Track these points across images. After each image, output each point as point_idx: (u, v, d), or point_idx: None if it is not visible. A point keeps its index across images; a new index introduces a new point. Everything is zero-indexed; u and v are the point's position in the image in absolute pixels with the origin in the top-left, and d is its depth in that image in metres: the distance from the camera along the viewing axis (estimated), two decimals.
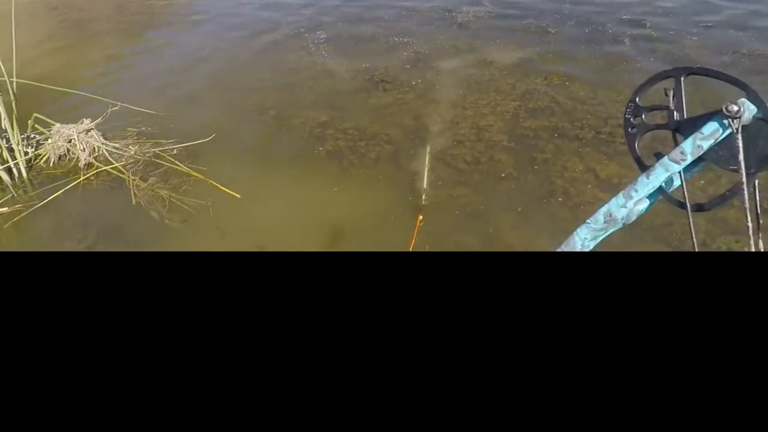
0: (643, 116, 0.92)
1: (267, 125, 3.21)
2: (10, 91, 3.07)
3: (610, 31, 3.99)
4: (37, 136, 3.24)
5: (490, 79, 3.44)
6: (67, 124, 3.22)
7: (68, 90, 3.47)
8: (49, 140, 3.16)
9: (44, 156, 3.11)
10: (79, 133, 3.17)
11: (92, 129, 3.22)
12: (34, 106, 3.27)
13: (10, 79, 3.08)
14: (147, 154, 3.03)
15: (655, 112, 0.92)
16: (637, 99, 0.92)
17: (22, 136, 3.13)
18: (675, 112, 0.87)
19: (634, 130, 0.93)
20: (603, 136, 2.83)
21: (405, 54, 3.92)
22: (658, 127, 0.91)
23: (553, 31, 4.07)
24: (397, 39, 4.20)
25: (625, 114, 0.94)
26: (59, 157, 3.10)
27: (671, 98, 0.87)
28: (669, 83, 0.88)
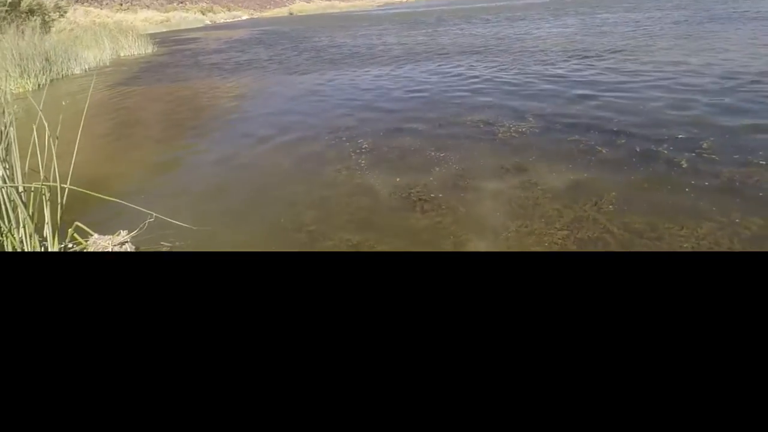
0: None
1: (299, 246, 3.10)
2: (60, 201, 3.13)
3: (665, 151, 3.75)
4: (74, 246, 3.26)
5: (535, 203, 3.24)
6: (104, 235, 3.26)
7: (110, 198, 3.53)
8: None
9: None
10: (114, 246, 3.18)
11: (127, 242, 3.23)
12: (77, 209, 3.31)
13: (62, 186, 3.16)
14: None
15: None
16: None
17: (60, 245, 3.16)
18: None
19: None
20: None
21: (444, 170, 3.82)
22: None
23: (602, 150, 3.88)
24: (434, 153, 4.13)
25: None
26: None
27: None
28: None
